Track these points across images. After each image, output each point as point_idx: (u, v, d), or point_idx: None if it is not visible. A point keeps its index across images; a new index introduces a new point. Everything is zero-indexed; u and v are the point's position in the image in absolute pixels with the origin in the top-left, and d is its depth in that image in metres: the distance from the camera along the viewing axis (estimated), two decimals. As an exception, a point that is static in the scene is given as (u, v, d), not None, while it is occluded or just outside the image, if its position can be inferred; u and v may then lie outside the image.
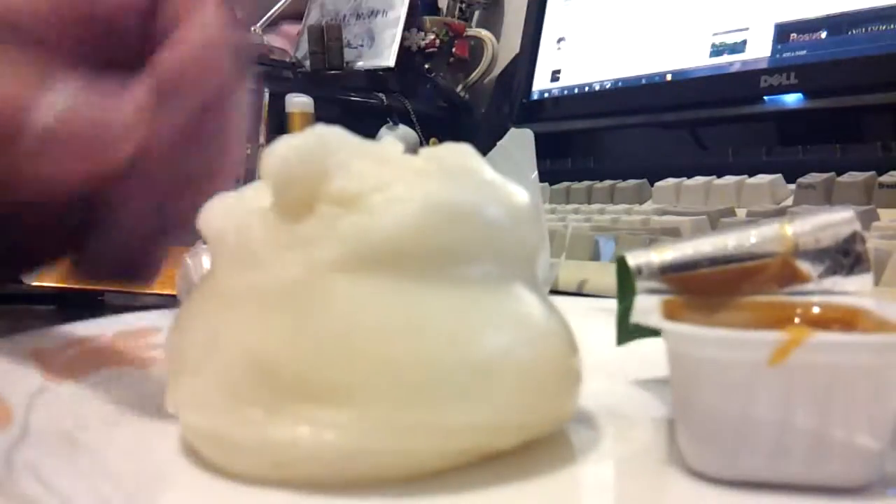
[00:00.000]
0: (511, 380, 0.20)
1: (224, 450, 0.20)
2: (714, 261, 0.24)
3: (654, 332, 0.26)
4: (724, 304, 0.23)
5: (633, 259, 0.25)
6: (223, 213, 0.23)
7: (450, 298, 0.21)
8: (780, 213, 0.53)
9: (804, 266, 0.24)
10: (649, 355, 0.24)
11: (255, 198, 0.23)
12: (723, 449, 0.20)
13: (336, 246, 0.20)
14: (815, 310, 0.23)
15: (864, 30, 0.62)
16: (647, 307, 0.23)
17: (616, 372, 0.29)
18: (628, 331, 0.27)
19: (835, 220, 0.24)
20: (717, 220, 0.55)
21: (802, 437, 0.19)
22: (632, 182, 0.69)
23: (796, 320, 0.23)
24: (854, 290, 0.24)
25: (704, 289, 0.24)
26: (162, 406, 0.23)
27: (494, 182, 0.23)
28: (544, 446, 0.22)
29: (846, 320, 0.22)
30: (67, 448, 0.21)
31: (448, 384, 0.20)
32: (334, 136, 0.23)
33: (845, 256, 0.24)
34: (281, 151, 0.22)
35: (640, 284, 0.24)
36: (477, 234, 0.21)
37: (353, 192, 0.21)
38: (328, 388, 0.19)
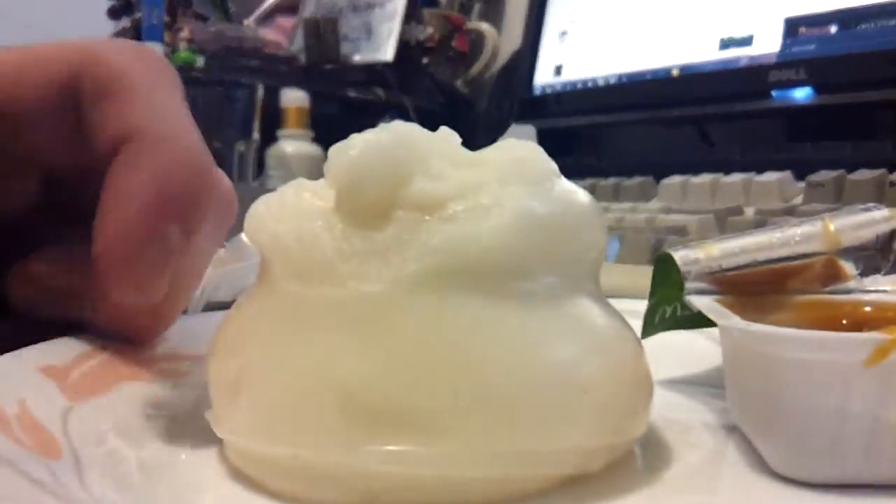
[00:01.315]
0: (601, 400, 0.19)
1: (301, 479, 0.18)
2: (762, 261, 0.24)
3: (679, 326, 0.27)
4: (771, 303, 0.24)
5: (681, 258, 0.25)
6: (274, 216, 0.21)
7: (534, 317, 0.19)
8: (789, 212, 0.52)
9: (846, 264, 0.24)
10: (666, 354, 0.23)
11: (303, 199, 0.21)
12: (814, 451, 0.19)
13: (422, 258, 0.18)
14: (867, 308, 0.23)
15: (874, 24, 0.61)
16: (713, 307, 0.22)
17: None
18: (653, 325, 0.27)
19: (874, 219, 0.24)
20: (724, 219, 0.54)
21: (895, 436, 0.19)
22: (637, 179, 0.68)
23: (844, 320, 0.23)
24: (893, 288, 0.24)
25: (751, 288, 0.24)
26: (200, 423, 0.21)
27: (568, 186, 0.21)
28: (619, 460, 0.21)
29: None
30: (123, 473, 0.19)
31: (544, 409, 0.19)
32: (411, 132, 0.21)
33: (884, 254, 0.24)
34: (356, 150, 0.20)
35: (689, 284, 0.24)
36: (555, 245, 0.20)
37: (437, 197, 0.19)
38: (420, 415, 0.18)
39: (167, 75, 0.24)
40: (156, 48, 0.98)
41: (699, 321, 0.25)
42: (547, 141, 0.46)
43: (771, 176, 0.58)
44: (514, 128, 0.45)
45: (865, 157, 0.56)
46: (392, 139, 0.20)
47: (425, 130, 0.21)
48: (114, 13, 1.17)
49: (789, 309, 0.23)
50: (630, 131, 0.90)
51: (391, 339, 0.18)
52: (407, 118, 1.09)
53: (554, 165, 0.21)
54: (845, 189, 0.52)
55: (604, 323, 0.21)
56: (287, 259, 0.20)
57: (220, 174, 0.26)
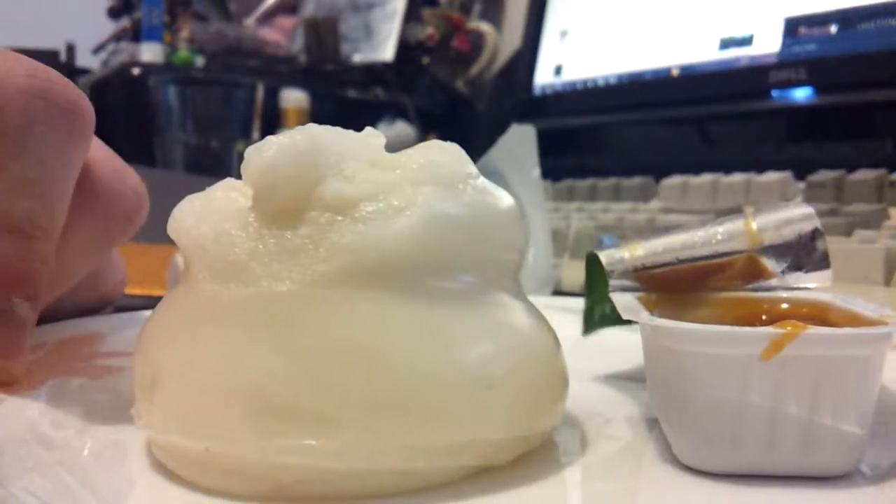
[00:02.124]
0: (508, 395, 0.20)
1: (214, 472, 0.19)
2: (684, 259, 0.24)
3: (616, 323, 0.27)
4: (694, 300, 0.24)
5: (606, 257, 0.25)
6: (196, 217, 0.21)
7: (443, 315, 0.20)
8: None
9: (769, 262, 0.24)
10: (604, 352, 0.24)
11: (228, 199, 0.21)
12: (716, 443, 0.20)
13: (331, 258, 0.19)
14: (784, 305, 0.24)
15: (874, 24, 0.60)
16: (629, 304, 0.23)
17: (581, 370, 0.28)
18: (593, 323, 0.28)
19: (796, 216, 0.25)
20: (725, 220, 0.54)
21: (793, 428, 0.19)
22: (637, 179, 0.67)
23: (763, 316, 0.23)
24: (815, 285, 0.25)
25: (674, 286, 0.25)
26: (123, 420, 0.21)
27: (484, 188, 0.22)
28: (536, 452, 0.21)
29: (816, 314, 0.23)
30: (46, 467, 0.20)
31: (445, 404, 0.19)
32: (325, 135, 0.21)
33: (807, 253, 0.24)
34: (269, 152, 0.20)
35: (613, 282, 0.25)
36: (468, 245, 0.21)
37: (349, 198, 0.20)
38: (325, 410, 0.18)
39: (53, 121, 0.23)
40: (157, 47, 0.98)
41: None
42: (547, 141, 0.46)
43: (771, 176, 0.58)
44: (514, 128, 0.45)
45: (865, 157, 0.56)
46: (307, 141, 0.20)
47: (344, 132, 0.22)
48: (114, 13, 1.17)
49: (710, 306, 0.24)
50: (630, 131, 0.90)
51: (299, 337, 0.19)
52: (407, 118, 1.09)
53: (471, 168, 0.22)
54: (845, 189, 0.52)
55: (518, 320, 0.21)
56: (205, 258, 0.20)
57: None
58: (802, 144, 0.63)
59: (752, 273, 0.24)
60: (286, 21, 1.17)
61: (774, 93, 0.66)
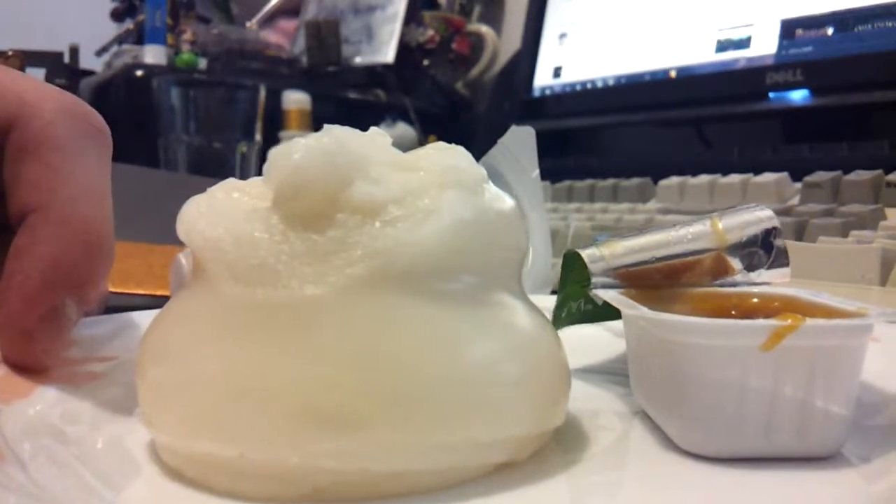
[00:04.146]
0: (530, 392, 0.20)
1: (248, 478, 0.19)
2: (660, 257, 0.26)
3: (586, 320, 0.29)
4: (669, 296, 0.26)
5: (587, 256, 0.27)
6: (207, 218, 0.21)
7: (468, 315, 0.20)
8: (786, 213, 0.52)
9: (733, 260, 0.26)
10: (569, 346, 0.25)
11: (235, 200, 0.21)
12: (718, 429, 0.21)
13: (363, 261, 0.19)
14: (755, 300, 0.25)
15: (871, 26, 0.61)
16: (619, 300, 0.24)
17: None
18: (561, 319, 0.29)
19: (757, 218, 0.27)
20: (722, 220, 0.54)
21: (789, 413, 0.21)
22: (635, 180, 0.68)
23: (733, 311, 0.25)
24: (774, 280, 0.27)
25: (649, 282, 0.26)
26: (125, 425, 0.21)
27: (494, 191, 0.22)
28: (540, 448, 0.22)
29: (788, 307, 0.24)
30: (63, 464, 0.20)
31: (481, 402, 0.19)
32: (352, 137, 0.21)
33: (767, 251, 0.27)
34: (297, 154, 0.20)
35: (595, 279, 0.26)
36: (485, 248, 0.21)
37: (377, 200, 0.20)
38: (364, 413, 0.18)
39: (91, 138, 0.25)
40: (160, 49, 0.98)
41: (602, 315, 0.27)
42: (546, 142, 0.46)
43: (768, 177, 0.58)
44: (514, 129, 0.46)
45: (862, 158, 0.56)
46: (334, 143, 0.20)
47: (361, 133, 0.22)
48: (117, 15, 1.18)
49: (684, 300, 0.25)
50: (628, 132, 0.91)
51: (335, 340, 0.19)
52: (407, 119, 1.10)
53: (484, 171, 0.22)
54: (841, 190, 0.53)
55: (529, 320, 0.22)
56: (224, 261, 0.20)
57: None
58: (799, 145, 0.63)
59: (719, 270, 0.27)
60: (288, 23, 1.18)
61: (771, 94, 0.66)
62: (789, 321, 0.20)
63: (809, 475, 0.20)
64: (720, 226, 0.26)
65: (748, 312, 0.24)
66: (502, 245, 0.22)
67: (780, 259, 0.27)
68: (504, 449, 0.20)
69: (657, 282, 0.26)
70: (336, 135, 0.21)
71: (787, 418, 0.21)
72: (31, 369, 0.23)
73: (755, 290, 0.26)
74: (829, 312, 0.22)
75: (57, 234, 0.23)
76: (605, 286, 0.26)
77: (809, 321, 0.21)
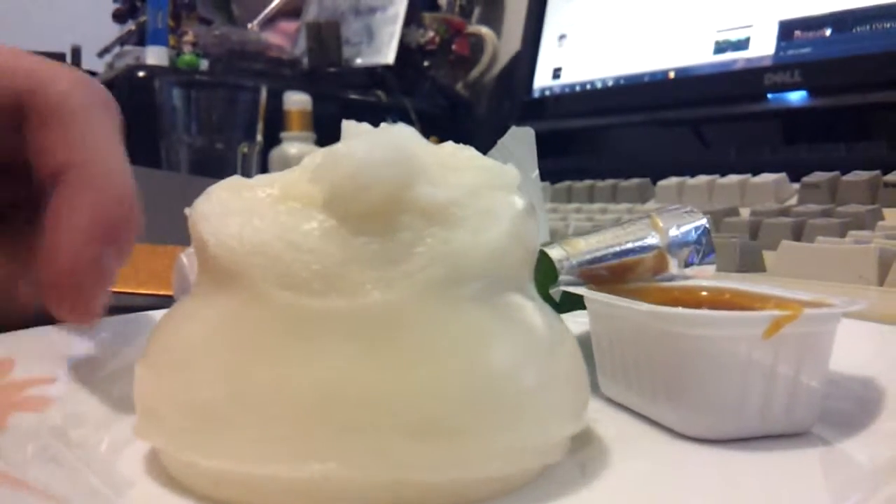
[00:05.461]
0: (577, 390, 0.21)
1: (325, 499, 0.17)
2: (617, 254, 0.29)
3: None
4: (624, 290, 0.27)
5: (556, 255, 0.29)
6: (245, 219, 0.19)
7: (524, 318, 0.20)
8: (784, 213, 0.52)
9: (671, 257, 0.29)
10: None
11: (259, 200, 0.19)
12: (718, 413, 0.23)
13: (434, 265, 0.18)
14: (703, 293, 0.28)
15: (869, 27, 0.61)
16: (600, 296, 0.26)
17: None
18: None
19: (690, 218, 0.30)
20: (720, 220, 0.54)
21: (781, 394, 0.23)
22: (634, 181, 0.68)
23: (680, 304, 0.27)
24: (702, 275, 0.30)
25: (605, 279, 0.29)
26: (120, 451, 0.21)
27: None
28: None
29: (738, 299, 0.26)
30: (56, 455, 0.20)
31: (550, 404, 0.19)
32: (412, 135, 0.20)
33: (698, 248, 0.29)
34: (360, 150, 0.18)
35: (562, 277, 0.28)
36: (523, 248, 0.21)
37: (440, 202, 0.19)
38: (455, 424, 0.18)
39: (105, 106, 0.27)
40: (161, 50, 0.99)
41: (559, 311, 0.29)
42: (546, 143, 0.46)
43: (766, 177, 0.58)
44: (514, 129, 0.46)
45: (860, 159, 0.56)
46: (394, 141, 0.19)
47: (410, 130, 0.21)
48: (119, 16, 1.18)
49: (639, 294, 0.27)
50: (627, 133, 0.91)
51: (418, 348, 0.18)
52: (408, 120, 1.10)
53: (517, 172, 0.22)
54: (839, 190, 0.53)
55: (557, 320, 0.22)
56: (275, 267, 0.18)
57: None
58: (797, 146, 0.63)
59: (660, 267, 0.29)
60: (289, 25, 1.18)
61: (770, 95, 0.66)
62: (789, 312, 0.22)
63: (803, 451, 0.23)
64: (660, 224, 0.29)
65: (696, 304, 0.26)
66: (532, 245, 0.22)
67: (709, 255, 0.30)
68: (557, 449, 0.20)
69: (610, 278, 0.29)
70: (394, 132, 0.20)
71: (778, 399, 0.23)
72: (82, 322, 0.24)
73: (706, 283, 0.28)
74: (783, 303, 0.25)
75: (94, 186, 0.24)
76: (569, 284, 0.28)
77: (807, 311, 0.23)
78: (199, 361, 0.19)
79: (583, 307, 0.28)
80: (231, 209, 0.20)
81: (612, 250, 0.29)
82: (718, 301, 0.26)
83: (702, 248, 0.29)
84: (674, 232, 0.29)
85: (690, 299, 0.27)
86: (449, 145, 0.22)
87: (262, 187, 0.20)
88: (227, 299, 0.19)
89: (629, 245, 0.29)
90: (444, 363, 0.18)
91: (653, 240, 0.29)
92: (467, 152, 0.22)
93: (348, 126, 0.20)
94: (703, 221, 0.30)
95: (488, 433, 0.18)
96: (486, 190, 0.20)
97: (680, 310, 0.23)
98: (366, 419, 0.17)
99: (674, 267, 0.29)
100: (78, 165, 0.24)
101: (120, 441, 0.22)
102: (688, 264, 0.29)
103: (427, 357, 0.18)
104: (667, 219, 0.29)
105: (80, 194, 0.24)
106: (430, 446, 0.17)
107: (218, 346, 0.19)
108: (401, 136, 0.20)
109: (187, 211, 0.21)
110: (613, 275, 0.29)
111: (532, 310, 0.20)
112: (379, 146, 0.19)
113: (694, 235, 0.29)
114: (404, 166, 0.19)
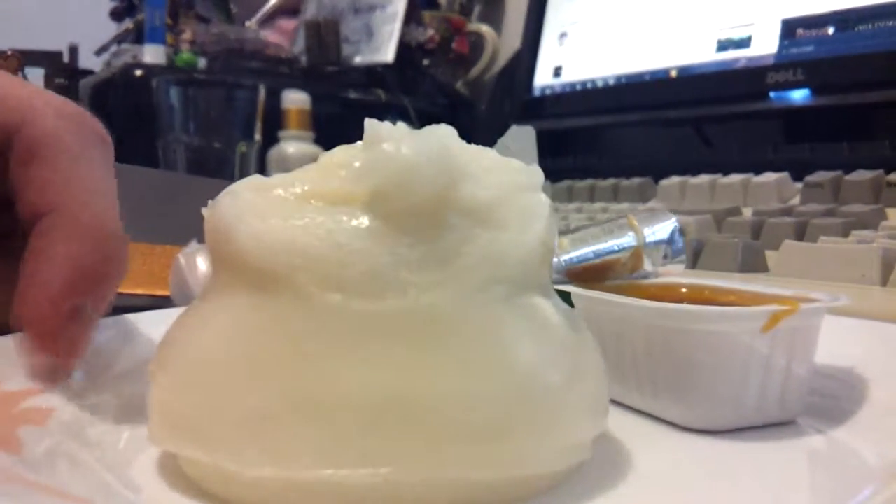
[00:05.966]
0: (603, 390, 0.21)
1: (380, 501, 0.17)
2: (597, 254, 0.30)
3: None
4: (610, 288, 0.28)
5: None
6: (279, 220, 0.18)
7: (549, 315, 0.20)
8: (787, 212, 0.52)
9: (646, 256, 0.31)
10: None
11: (289, 202, 0.19)
12: (719, 405, 0.24)
13: (484, 265, 0.18)
14: (683, 290, 0.29)
15: (872, 25, 0.61)
16: (601, 294, 0.27)
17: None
18: None
19: (663, 218, 0.32)
20: (722, 220, 0.54)
21: (776, 384, 0.24)
22: (636, 180, 0.68)
23: (661, 300, 0.27)
24: (672, 273, 0.32)
25: (587, 277, 0.30)
26: (132, 466, 0.20)
27: None
28: None
29: (716, 294, 0.27)
30: (72, 453, 0.20)
31: (584, 402, 0.20)
32: (452, 133, 0.20)
33: (670, 247, 0.31)
34: (407, 149, 0.18)
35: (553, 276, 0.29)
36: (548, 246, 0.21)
37: (483, 202, 0.19)
38: (506, 424, 0.18)
39: (97, 142, 0.25)
40: (159, 49, 0.98)
41: None
42: (546, 141, 0.46)
43: (769, 176, 0.58)
44: (514, 128, 0.46)
45: (863, 158, 0.56)
46: (438, 139, 0.19)
47: (447, 128, 0.20)
48: (116, 15, 1.18)
49: (620, 292, 0.27)
50: (629, 132, 0.91)
51: (466, 350, 0.18)
52: (408, 119, 1.10)
53: (541, 172, 0.22)
54: (842, 189, 0.53)
55: (577, 319, 0.22)
56: (318, 267, 0.18)
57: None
58: (800, 145, 0.63)
59: (635, 264, 0.31)
60: (287, 23, 1.18)
61: (772, 94, 0.66)
62: (787, 306, 0.24)
63: (800, 438, 0.24)
64: (636, 224, 0.31)
65: (675, 300, 0.27)
66: (551, 246, 0.22)
67: (680, 254, 0.32)
68: (588, 447, 0.20)
69: (592, 277, 0.30)
70: (435, 129, 0.20)
71: (773, 389, 0.24)
72: (64, 363, 0.24)
73: (685, 281, 0.30)
74: (760, 298, 0.26)
75: (73, 235, 0.23)
76: (557, 283, 0.28)
77: (803, 306, 0.24)
78: (239, 367, 0.18)
79: (569, 305, 0.28)
80: (262, 209, 0.19)
81: (594, 249, 0.30)
82: (699, 297, 0.28)
83: (673, 247, 0.31)
84: (648, 232, 0.31)
85: (672, 296, 0.28)
86: (474, 146, 0.22)
87: (285, 187, 0.19)
88: (265, 301, 0.18)
89: (611, 244, 0.30)
90: (497, 364, 0.18)
91: (631, 239, 0.30)
92: (491, 153, 0.21)
93: (376, 126, 0.19)
94: (674, 221, 0.31)
95: (538, 431, 0.18)
96: (518, 190, 0.20)
97: (686, 306, 0.24)
98: (422, 422, 0.17)
99: (648, 265, 0.31)
100: (60, 209, 0.23)
101: (136, 440, 0.22)
102: (661, 263, 0.31)
103: (479, 359, 0.18)
104: (642, 219, 0.31)
105: (58, 244, 0.23)
106: (486, 446, 0.18)
107: (262, 351, 0.18)
108: (441, 134, 0.20)
109: (205, 211, 0.20)
110: (595, 273, 0.30)
111: (558, 309, 0.21)
112: (425, 144, 0.18)
113: (666, 235, 0.31)
114: (450, 166, 0.19)
